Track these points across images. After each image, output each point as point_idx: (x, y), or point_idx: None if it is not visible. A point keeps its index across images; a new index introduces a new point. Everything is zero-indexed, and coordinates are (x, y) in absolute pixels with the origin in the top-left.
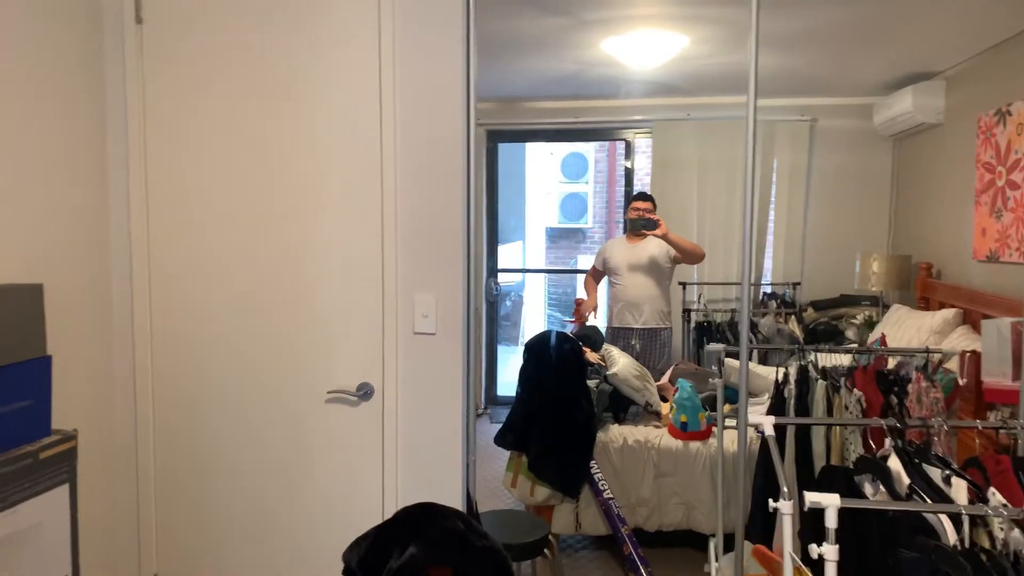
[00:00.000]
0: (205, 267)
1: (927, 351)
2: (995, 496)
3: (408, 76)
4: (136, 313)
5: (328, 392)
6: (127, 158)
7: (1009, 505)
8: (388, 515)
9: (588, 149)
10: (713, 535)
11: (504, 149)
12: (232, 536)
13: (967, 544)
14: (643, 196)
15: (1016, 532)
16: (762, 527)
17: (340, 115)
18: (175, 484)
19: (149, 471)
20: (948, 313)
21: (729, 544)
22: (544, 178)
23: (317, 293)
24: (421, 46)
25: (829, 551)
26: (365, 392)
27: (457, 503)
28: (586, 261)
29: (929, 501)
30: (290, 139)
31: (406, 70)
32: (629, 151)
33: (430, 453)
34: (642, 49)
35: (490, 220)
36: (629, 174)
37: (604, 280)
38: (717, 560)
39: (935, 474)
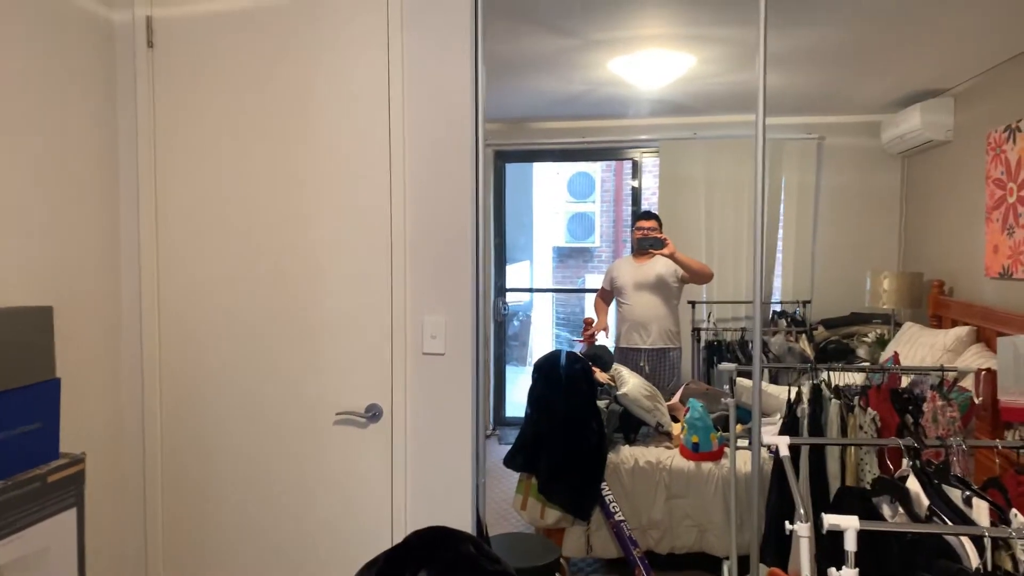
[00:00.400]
0: (214, 289)
1: (942, 369)
2: (1017, 518)
3: (416, 96)
4: (145, 335)
5: (337, 414)
6: (137, 181)
7: None
8: (397, 538)
9: (595, 169)
10: (727, 558)
11: (511, 169)
12: (240, 560)
13: (990, 567)
14: (648, 215)
15: None
16: (776, 549)
17: (349, 136)
18: (182, 508)
19: (156, 495)
20: (961, 331)
21: (743, 567)
22: (551, 198)
23: (326, 314)
24: (429, 66)
25: (849, 574)
26: (374, 414)
27: (467, 526)
28: (593, 280)
29: (950, 523)
30: (299, 161)
31: (414, 89)
32: (636, 170)
33: (440, 475)
34: (649, 69)
35: (498, 240)
36: (636, 193)
37: (613, 301)
38: None
39: (955, 495)
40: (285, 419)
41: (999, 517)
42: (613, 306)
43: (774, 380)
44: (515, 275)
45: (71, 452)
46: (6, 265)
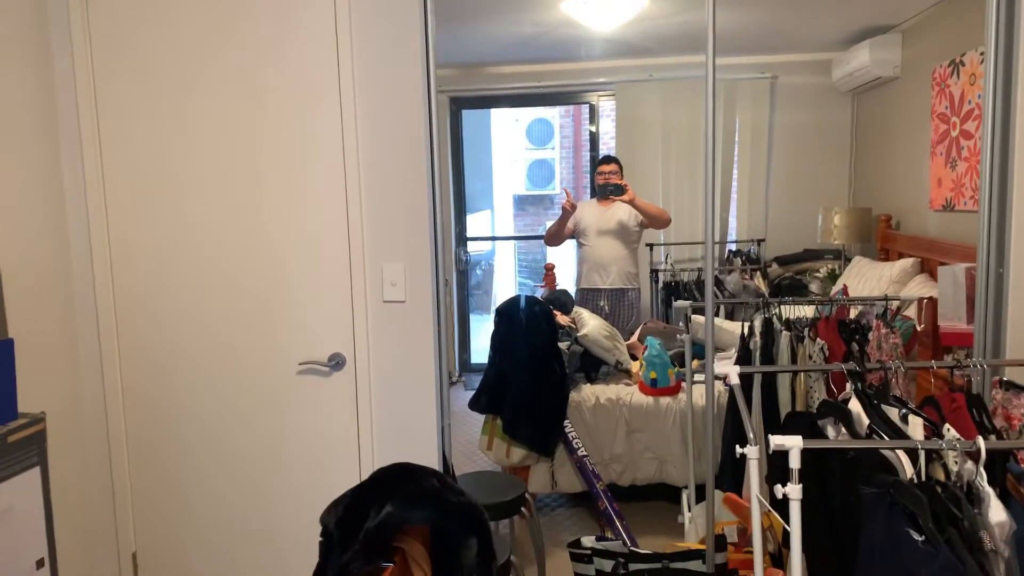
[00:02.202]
0: (169, 243)
1: (886, 299)
2: (950, 431)
3: (366, 41)
4: (99, 293)
5: (300, 363)
6: (80, 139)
7: (962, 439)
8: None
9: (553, 115)
10: (685, 487)
11: (469, 117)
12: (210, 509)
13: (923, 477)
14: (608, 159)
15: (969, 464)
16: (732, 476)
17: (298, 85)
18: (149, 461)
19: (122, 450)
20: (907, 263)
21: (701, 495)
22: (510, 145)
23: (284, 264)
24: (378, 10)
25: (792, 490)
26: (337, 362)
27: (434, 467)
28: None
29: (887, 439)
30: (247, 112)
31: (364, 35)
32: (593, 115)
33: (405, 419)
34: (602, 9)
35: (457, 188)
36: (594, 138)
37: (573, 243)
38: (690, 510)
39: (893, 414)
40: (248, 371)
41: (933, 432)
42: (575, 247)
43: (730, 316)
44: (476, 224)
45: (31, 412)
46: None
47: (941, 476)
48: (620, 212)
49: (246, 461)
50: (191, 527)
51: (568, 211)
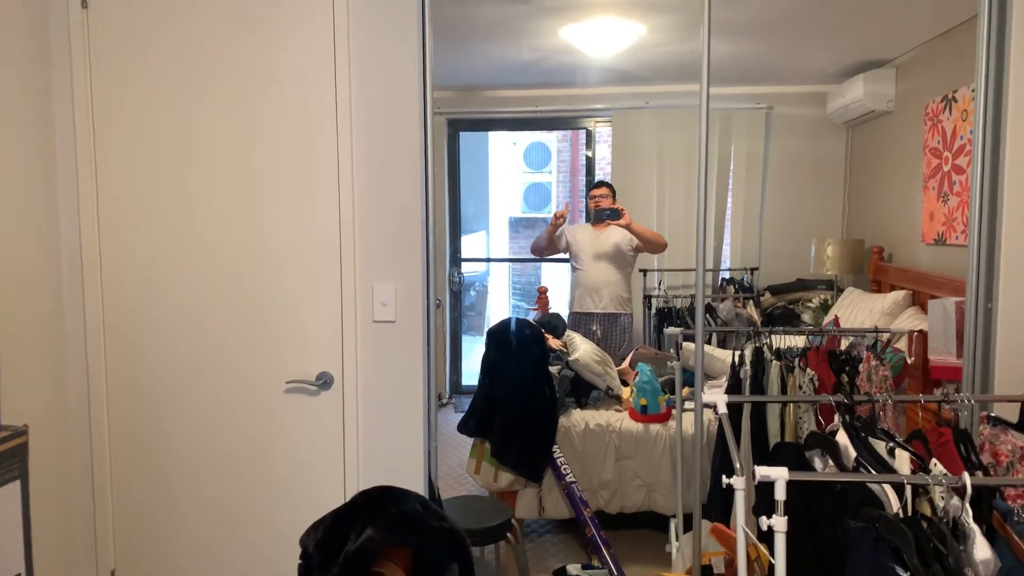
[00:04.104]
0: (159, 260)
1: (877, 331)
2: (936, 466)
3: (363, 61)
4: (88, 307)
5: (287, 382)
6: (75, 149)
7: (949, 474)
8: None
9: (550, 139)
10: (673, 516)
11: (466, 139)
12: (191, 527)
13: (910, 512)
14: (600, 184)
15: (955, 500)
16: (720, 506)
17: (294, 102)
18: (131, 478)
19: (104, 466)
20: (898, 295)
21: (689, 524)
22: (507, 168)
23: (274, 282)
24: (376, 31)
25: (777, 522)
26: (324, 381)
27: (419, 489)
28: None
29: (874, 472)
30: (243, 127)
31: (361, 55)
32: (590, 140)
33: (391, 440)
34: (600, 37)
35: (452, 209)
36: (591, 163)
37: (565, 266)
38: (677, 539)
39: (880, 447)
40: (235, 388)
41: (919, 466)
42: (568, 272)
43: (722, 344)
44: (471, 245)
45: (13, 425)
46: None
47: (927, 511)
48: (615, 236)
49: (229, 479)
50: (171, 545)
51: (558, 220)
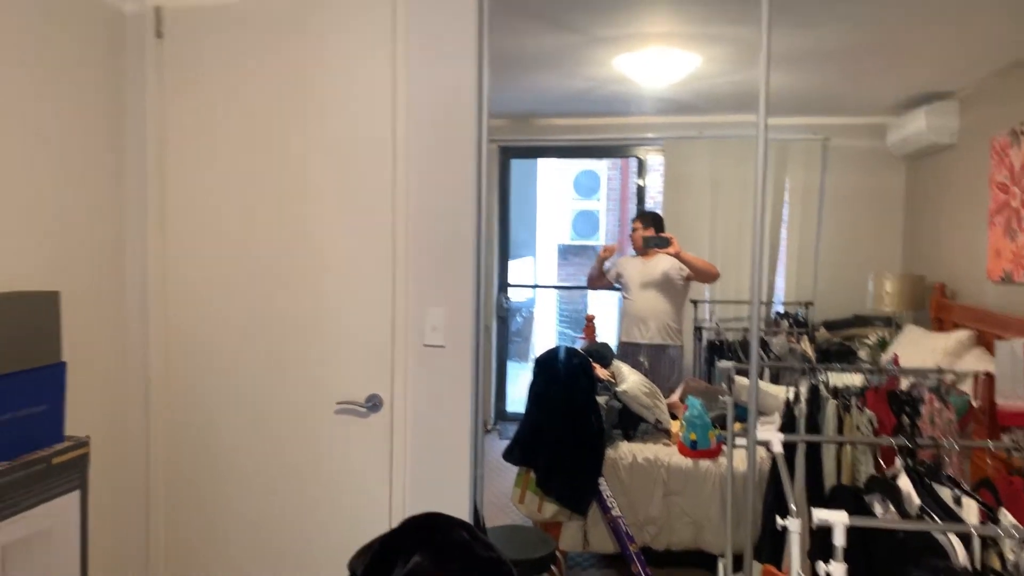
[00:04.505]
0: (218, 280)
1: (939, 371)
2: (1006, 517)
3: (421, 90)
4: (151, 322)
5: (337, 403)
6: (144, 169)
7: (1020, 526)
8: (394, 526)
9: (600, 167)
10: (722, 555)
11: (516, 166)
12: (240, 544)
13: (978, 565)
14: (639, 215)
15: None
16: (771, 547)
17: (354, 130)
18: (185, 492)
19: (159, 479)
20: (963, 334)
21: (738, 564)
22: (556, 195)
23: (328, 304)
24: (434, 62)
25: (836, 569)
26: (374, 404)
27: (465, 517)
28: None
29: (939, 521)
30: (304, 153)
31: (419, 84)
32: (641, 169)
33: (438, 465)
34: (654, 67)
35: (502, 235)
36: (641, 192)
37: (616, 295)
38: None
39: (945, 494)
40: (286, 408)
41: (988, 516)
42: (618, 301)
43: (775, 380)
44: (519, 271)
45: (76, 435)
46: (15, 251)
47: (997, 565)
48: (663, 264)
49: (280, 496)
50: (221, 559)
51: (605, 255)
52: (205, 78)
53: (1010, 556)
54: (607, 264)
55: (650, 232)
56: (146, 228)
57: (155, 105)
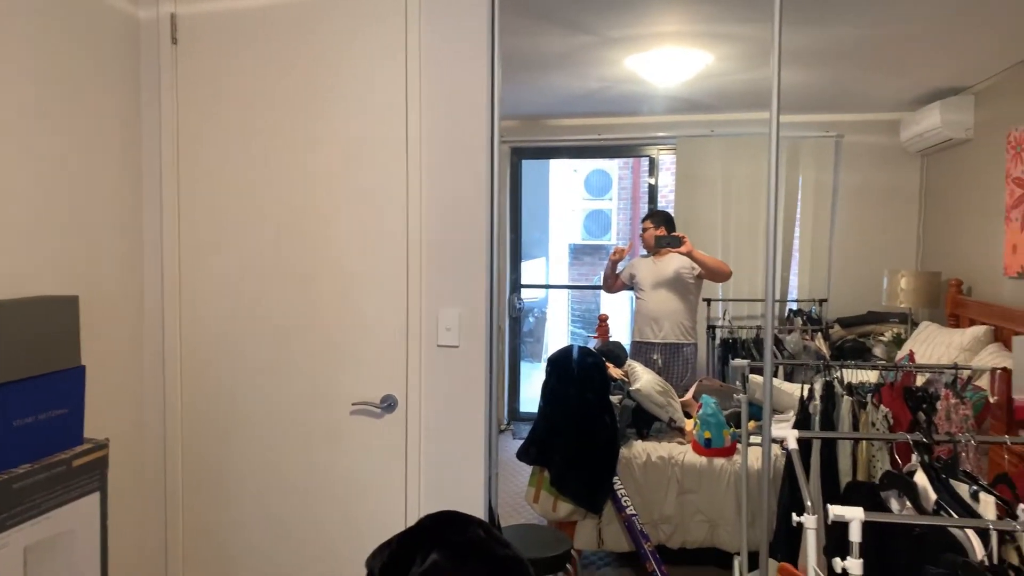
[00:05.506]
0: (234, 283)
1: (955, 367)
2: None
3: (434, 92)
4: (167, 326)
5: (353, 404)
6: (160, 176)
7: None
8: (411, 525)
9: (612, 166)
10: (737, 553)
11: (528, 166)
12: (258, 544)
13: (995, 560)
14: (648, 215)
15: None
16: (787, 545)
17: (367, 132)
18: (202, 494)
19: (176, 482)
20: (979, 330)
21: (754, 562)
22: (567, 195)
23: (342, 306)
24: (447, 63)
25: (852, 565)
26: (389, 404)
27: (479, 516)
28: None
29: (956, 517)
30: (317, 157)
31: (432, 86)
32: (653, 168)
33: (453, 465)
34: (666, 66)
35: (514, 236)
36: (653, 191)
37: (629, 294)
38: None
39: (962, 490)
40: (302, 409)
41: (1006, 511)
42: (631, 300)
43: (789, 378)
44: (531, 271)
45: (95, 438)
46: (34, 256)
47: (1015, 560)
48: (675, 263)
49: (296, 495)
50: (239, 559)
51: (615, 258)
52: (220, 84)
53: None
54: (620, 266)
55: (661, 231)
56: (163, 232)
57: (171, 110)
